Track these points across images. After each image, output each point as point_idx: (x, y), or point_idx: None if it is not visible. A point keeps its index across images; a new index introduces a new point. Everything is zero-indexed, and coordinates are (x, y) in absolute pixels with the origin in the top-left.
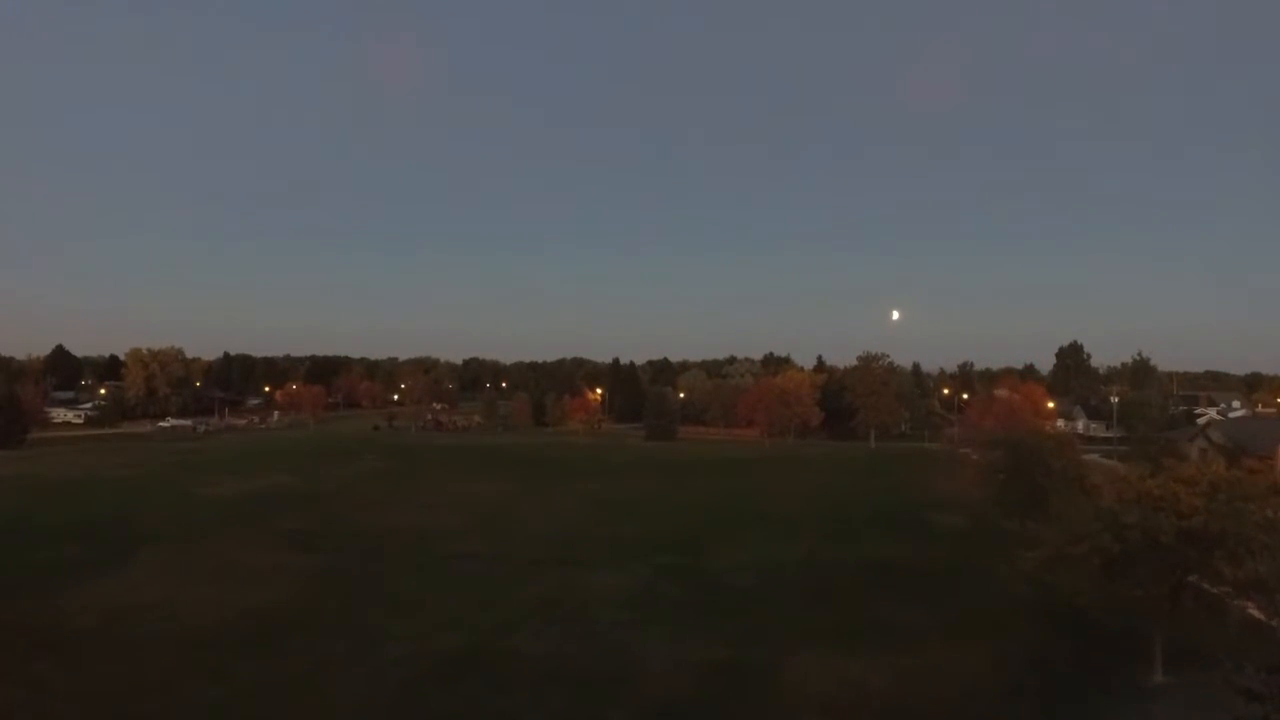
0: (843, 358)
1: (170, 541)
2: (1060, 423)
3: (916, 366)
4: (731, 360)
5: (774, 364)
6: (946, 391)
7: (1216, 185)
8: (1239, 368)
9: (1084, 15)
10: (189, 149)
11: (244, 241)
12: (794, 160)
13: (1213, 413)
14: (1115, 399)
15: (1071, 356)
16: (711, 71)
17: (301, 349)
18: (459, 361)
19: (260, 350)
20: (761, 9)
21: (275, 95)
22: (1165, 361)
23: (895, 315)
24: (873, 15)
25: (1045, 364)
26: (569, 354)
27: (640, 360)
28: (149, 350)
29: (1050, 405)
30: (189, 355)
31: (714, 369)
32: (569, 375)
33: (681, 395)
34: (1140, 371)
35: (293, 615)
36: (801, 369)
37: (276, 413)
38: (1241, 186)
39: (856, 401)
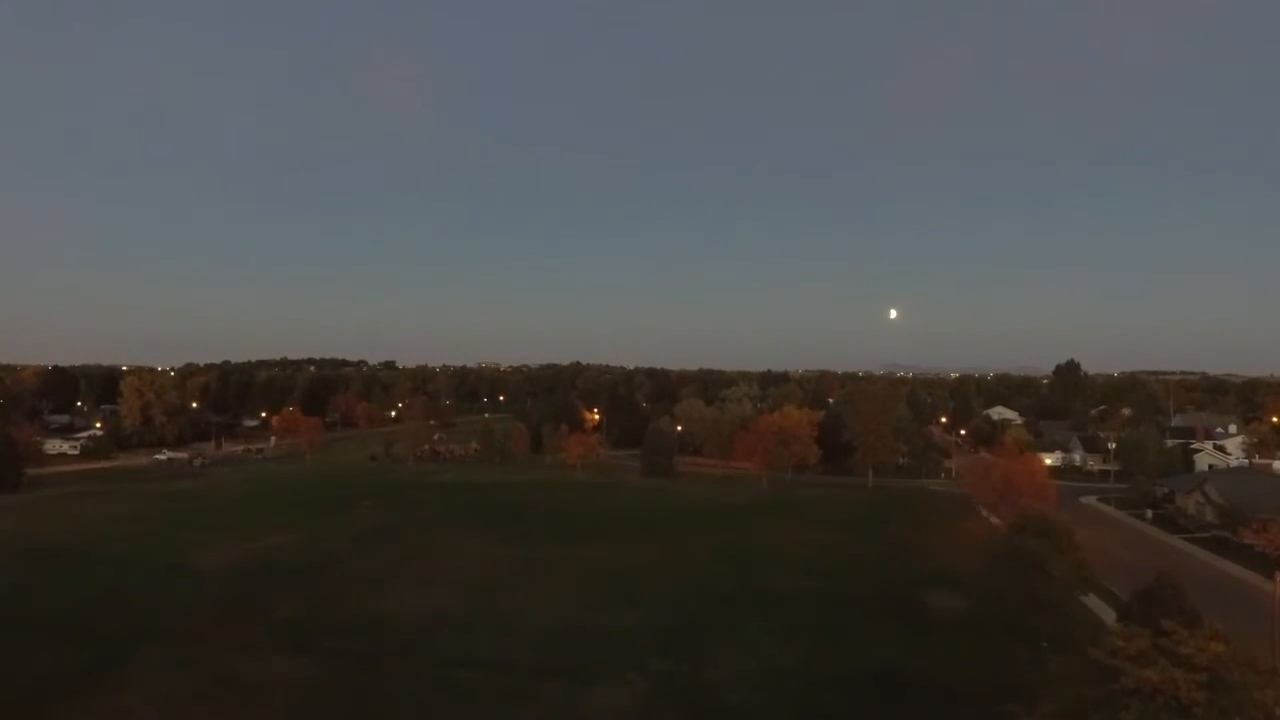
0: (842, 358)
1: (165, 641)
2: (1057, 455)
3: (913, 391)
4: (730, 383)
5: (772, 382)
6: (944, 420)
7: (1213, 188)
8: (1238, 367)
9: (1082, 23)
10: (190, 153)
11: (246, 244)
12: (793, 163)
13: (1209, 446)
14: (1113, 445)
15: (1069, 374)
16: (709, 77)
17: (301, 350)
18: (457, 365)
19: (260, 352)
20: (748, 17)
21: (276, 101)
22: (1163, 362)
23: (893, 314)
24: (870, 21)
25: (1043, 363)
26: (567, 355)
27: (638, 363)
28: (146, 371)
29: (1048, 461)
30: (188, 357)
31: (711, 382)
32: (567, 387)
33: (679, 428)
34: (1139, 398)
35: None
36: (798, 385)
37: (273, 438)
38: (1238, 189)
39: (854, 440)
